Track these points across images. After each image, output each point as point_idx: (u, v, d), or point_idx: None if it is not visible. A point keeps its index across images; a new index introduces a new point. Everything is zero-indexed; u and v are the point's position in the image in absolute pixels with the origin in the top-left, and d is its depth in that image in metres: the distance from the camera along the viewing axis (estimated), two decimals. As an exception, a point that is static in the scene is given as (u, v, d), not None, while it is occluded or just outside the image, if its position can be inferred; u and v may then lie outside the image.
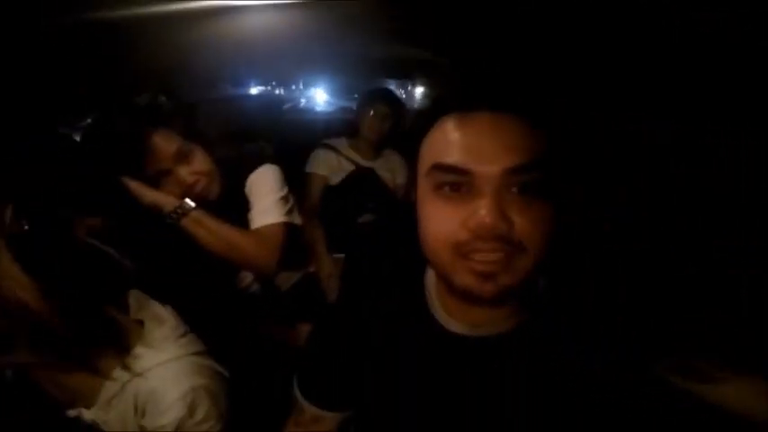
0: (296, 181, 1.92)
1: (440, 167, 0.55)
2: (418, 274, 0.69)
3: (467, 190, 0.53)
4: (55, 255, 0.70)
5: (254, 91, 5.21)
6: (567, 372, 0.58)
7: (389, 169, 2.03)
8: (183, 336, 0.86)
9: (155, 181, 1.08)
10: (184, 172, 1.09)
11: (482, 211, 0.51)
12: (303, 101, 6.17)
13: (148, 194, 1.06)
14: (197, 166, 1.11)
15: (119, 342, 0.78)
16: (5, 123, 1.12)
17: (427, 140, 0.59)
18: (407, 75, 3.56)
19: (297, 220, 1.32)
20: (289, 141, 2.12)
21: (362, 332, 0.70)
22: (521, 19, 1.27)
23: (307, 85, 5.71)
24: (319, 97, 6.29)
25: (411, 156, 0.62)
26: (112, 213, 0.98)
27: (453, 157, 0.54)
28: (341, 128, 2.21)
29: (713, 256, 0.89)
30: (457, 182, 0.54)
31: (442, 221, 0.55)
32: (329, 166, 1.97)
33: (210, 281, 1.15)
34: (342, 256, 1.83)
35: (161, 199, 1.07)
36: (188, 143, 1.10)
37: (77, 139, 1.23)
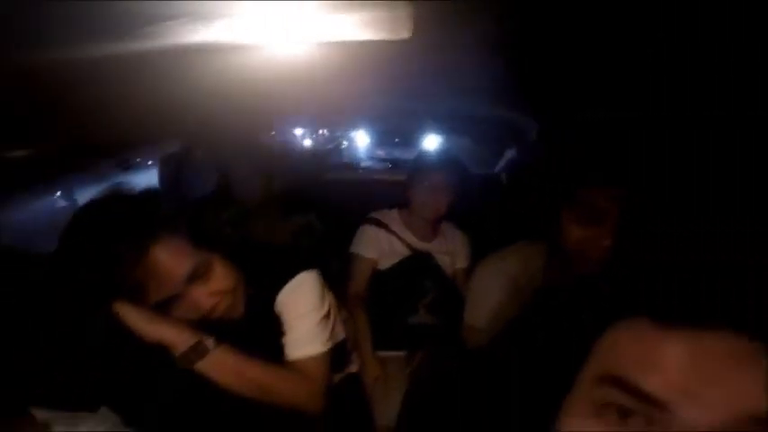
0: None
1: (618, 384, 0.34)
2: None
3: (647, 425, 0.33)
4: None
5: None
6: None
7: (448, 251, 1.69)
8: None
9: (160, 307, 0.79)
10: (200, 294, 0.81)
11: None
12: (345, 143, 6.06)
13: (151, 330, 0.78)
14: (215, 285, 0.82)
15: None
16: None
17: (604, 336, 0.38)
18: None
19: (341, 335, 1.10)
20: (334, 207, 1.88)
21: None
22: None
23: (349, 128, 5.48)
24: (361, 141, 6.18)
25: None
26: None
27: (651, 379, 0.32)
28: (393, 192, 1.81)
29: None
30: (636, 412, 0.33)
31: None
32: (379, 248, 1.64)
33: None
34: (391, 354, 1.58)
35: (169, 335, 0.79)
36: (204, 254, 0.80)
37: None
